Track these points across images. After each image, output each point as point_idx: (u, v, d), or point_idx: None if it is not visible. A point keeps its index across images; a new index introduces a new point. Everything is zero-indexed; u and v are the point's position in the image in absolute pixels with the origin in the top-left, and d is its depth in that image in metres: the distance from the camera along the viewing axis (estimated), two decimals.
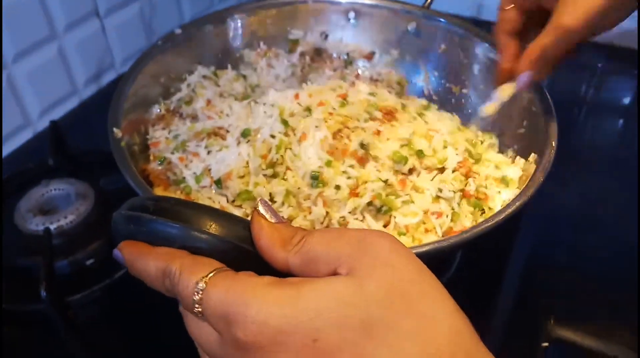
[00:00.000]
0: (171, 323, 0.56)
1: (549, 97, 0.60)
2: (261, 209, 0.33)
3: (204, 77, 0.70)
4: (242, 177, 0.56)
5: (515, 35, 0.58)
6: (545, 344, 0.56)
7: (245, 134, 0.59)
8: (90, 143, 0.75)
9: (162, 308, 0.57)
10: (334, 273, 0.29)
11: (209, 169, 0.57)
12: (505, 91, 0.59)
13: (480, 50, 0.69)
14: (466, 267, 0.62)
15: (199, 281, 0.30)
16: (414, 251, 0.43)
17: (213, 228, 0.32)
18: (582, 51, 0.98)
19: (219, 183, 0.56)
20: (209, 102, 0.66)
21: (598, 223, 0.69)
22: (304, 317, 0.27)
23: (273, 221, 0.32)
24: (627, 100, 0.92)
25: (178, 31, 0.69)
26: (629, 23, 0.96)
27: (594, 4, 0.49)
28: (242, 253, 0.32)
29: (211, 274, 0.30)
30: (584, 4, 0.49)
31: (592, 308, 0.60)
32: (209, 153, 0.59)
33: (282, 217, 0.33)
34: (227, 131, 0.61)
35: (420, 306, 0.27)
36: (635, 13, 0.52)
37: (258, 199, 0.34)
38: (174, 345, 0.55)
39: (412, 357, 0.26)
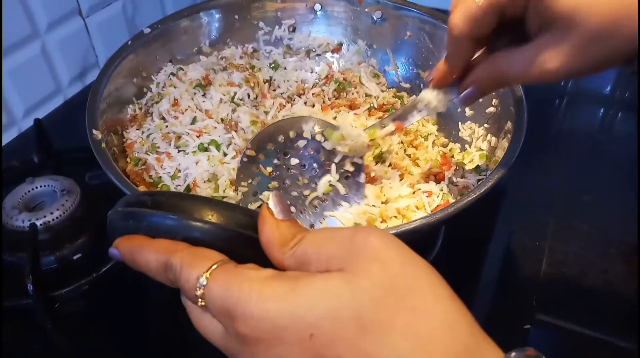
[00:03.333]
0: (157, 317, 0.57)
1: None
2: (271, 203, 0.33)
3: (172, 74, 0.70)
4: (208, 181, 0.57)
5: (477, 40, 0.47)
6: (527, 326, 0.57)
7: (200, 148, 0.60)
8: (76, 140, 0.75)
9: (149, 302, 0.58)
10: (327, 272, 0.29)
11: (179, 170, 0.58)
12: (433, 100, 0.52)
13: (445, 34, 0.70)
14: (448, 251, 0.63)
15: (200, 277, 0.30)
16: (402, 229, 0.45)
17: (214, 217, 0.33)
18: None
19: (187, 191, 0.57)
20: (175, 101, 0.66)
21: (579, 208, 0.70)
22: (298, 311, 0.27)
23: (280, 217, 0.32)
24: (607, 89, 0.93)
25: (147, 30, 0.69)
26: None
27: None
28: (245, 240, 0.33)
29: (213, 267, 0.30)
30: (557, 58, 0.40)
31: (573, 290, 0.61)
32: (179, 151, 0.60)
33: (291, 215, 0.33)
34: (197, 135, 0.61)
35: (411, 300, 0.27)
36: None
37: (272, 192, 0.34)
38: (160, 339, 0.56)
39: (407, 352, 0.26)
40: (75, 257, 0.61)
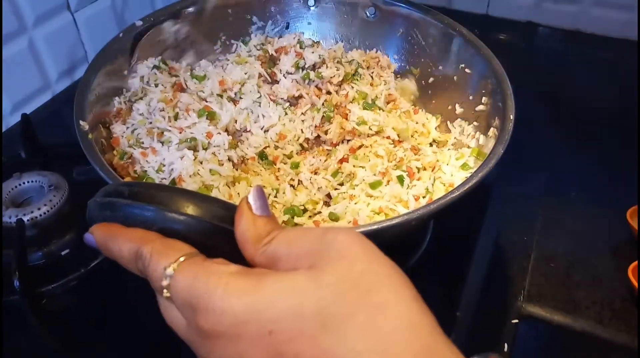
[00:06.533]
0: (146, 312, 0.57)
1: (504, 73, 0.61)
2: (251, 197, 0.33)
3: (156, 67, 0.69)
4: (194, 175, 0.57)
5: None
6: (515, 321, 0.57)
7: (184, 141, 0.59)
8: (64, 136, 0.74)
9: (138, 297, 0.58)
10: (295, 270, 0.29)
11: (164, 164, 0.58)
12: None
13: (437, 32, 0.71)
14: (436, 247, 0.63)
15: (167, 267, 0.30)
16: (383, 224, 0.45)
17: (190, 209, 0.33)
18: (545, 37, 1.01)
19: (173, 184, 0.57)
20: (170, 100, 0.65)
21: (566, 203, 0.71)
22: (259, 306, 0.27)
23: (258, 213, 0.32)
24: (596, 87, 0.93)
25: (139, 23, 0.69)
26: (601, 11, 0.98)
27: None
28: (220, 233, 0.33)
29: (181, 259, 0.30)
30: None
31: (561, 285, 0.61)
32: (163, 145, 0.60)
33: (270, 211, 0.33)
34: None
35: (374, 297, 0.27)
36: None
37: (254, 186, 0.34)
38: (149, 334, 0.56)
39: (365, 351, 0.26)
40: (63, 253, 0.61)
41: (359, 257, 0.28)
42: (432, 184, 0.59)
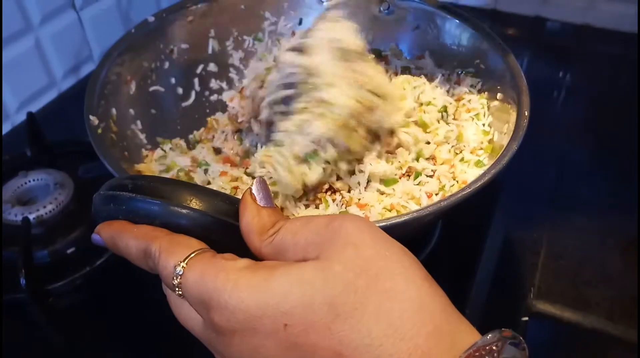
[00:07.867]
0: (153, 311, 0.57)
1: (520, 69, 0.60)
2: (254, 189, 0.33)
3: None
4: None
5: None
6: (525, 318, 0.56)
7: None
8: (70, 135, 0.75)
9: (144, 295, 0.58)
10: (304, 260, 0.29)
11: None
12: None
13: (452, 27, 0.69)
14: (445, 243, 0.63)
15: (177, 265, 0.30)
16: (394, 221, 0.44)
17: (193, 202, 0.32)
18: (554, 32, 1.00)
19: None
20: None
21: (576, 200, 0.70)
22: (272, 301, 0.27)
23: (262, 204, 0.32)
24: (603, 82, 0.92)
25: (151, 19, 0.69)
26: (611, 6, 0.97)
27: None
28: (224, 227, 0.33)
29: (192, 255, 0.30)
30: None
31: (571, 282, 0.60)
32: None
33: (274, 203, 0.33)
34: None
35: (383, 282, 0.27)
36: None
37: (256, 178, 0.34)
38: (155, 332, 0.56)
39: (379, 337, 0.26)
40: (69, 251, 0.61)
41: (366, 243, 0.28)
42: (450, 186, 0.58)
